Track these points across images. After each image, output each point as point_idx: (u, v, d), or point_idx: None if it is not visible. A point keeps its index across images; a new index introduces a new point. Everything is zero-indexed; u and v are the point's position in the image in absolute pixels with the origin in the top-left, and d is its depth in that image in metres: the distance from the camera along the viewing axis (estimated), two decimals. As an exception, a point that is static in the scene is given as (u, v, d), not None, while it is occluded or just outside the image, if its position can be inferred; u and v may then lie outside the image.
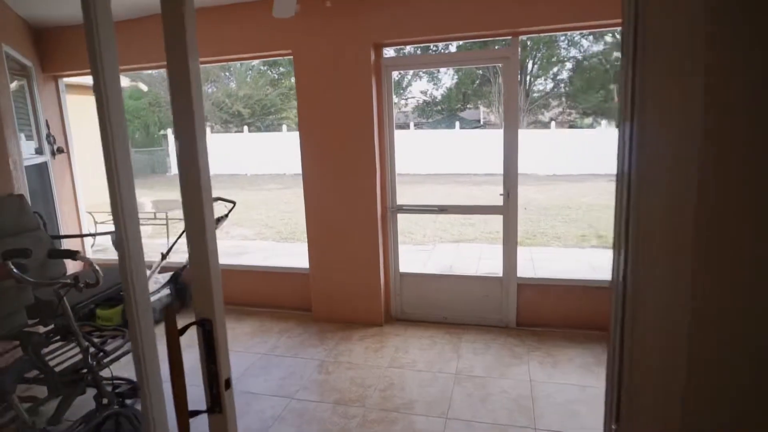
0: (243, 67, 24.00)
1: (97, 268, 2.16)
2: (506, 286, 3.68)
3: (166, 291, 4.22)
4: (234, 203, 4.28)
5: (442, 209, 3.80)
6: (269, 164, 17.57)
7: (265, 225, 8.99)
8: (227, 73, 25.08)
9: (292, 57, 3.67)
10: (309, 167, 3.79)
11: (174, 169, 20.23)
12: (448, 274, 3.99)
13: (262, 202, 11.69)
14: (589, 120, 22.70)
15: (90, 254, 4.88)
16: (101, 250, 6.88)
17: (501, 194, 3.56)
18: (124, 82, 7.98)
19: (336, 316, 3.94)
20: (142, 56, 3.99)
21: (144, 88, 8.31)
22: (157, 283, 4.23)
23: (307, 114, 3.71)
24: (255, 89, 23.70)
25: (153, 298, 4.08)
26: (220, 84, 24.66)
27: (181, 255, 4.75)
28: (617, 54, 20.74)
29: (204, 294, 0.83)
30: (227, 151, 18.96)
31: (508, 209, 3.56)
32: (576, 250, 6.39)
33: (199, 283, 0.84)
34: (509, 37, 3.34)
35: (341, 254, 3.84)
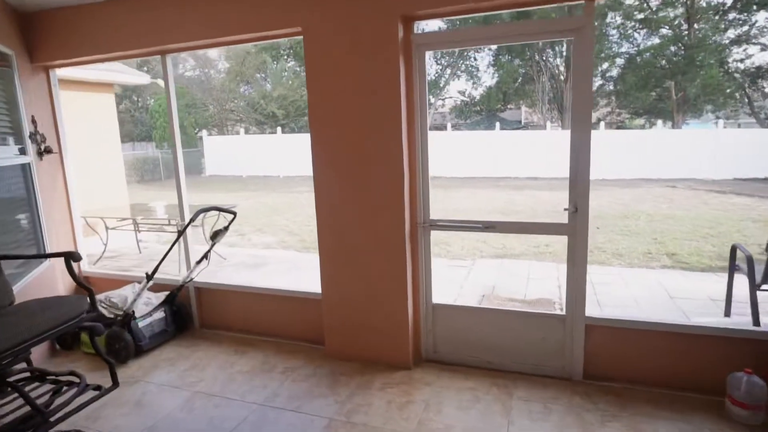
0: (278, 67, 23.79)
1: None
2: (570, 327, 2.85)
3: (160, 314, 3.63)
4: (234, 214, 3.66)
5: (489, 226, 3.00)
6: (302, 166, 17.13)
7: (290, 232, 8.39)
8: (263, 74, 24.99)
9: (302, 37, 2.99)
10: (321, 171, 3.09)
11: (209, 170, 20.20)
12: (493, 308, 3.19)
13: (289, 206, 11.16)
14: (641, 120, 21.09)
15: (86, 265, 4.37)
16: (112, 257, 6.44)
17: (566, 209, 2.75)
18: (144, 79, 7.58)
19: (353, 354, 3.22)
20: (134, 41, 3.43)
21: (162, 84, 7.87)
22: (148, 304, 3.64)
23: (319, 106, 3.01)
24: (290, 90, 23.44)
25: (144, 323, 3.49)
26: (255, 84, 24.55)
27: (179, 268, 4.19)
28: (674, 48, 19.01)
29: None
30: (260, 153, 18.70)
31: (575, 229, 2.74)
32: (643, 270, 5.41)
33: None
34: (582, 2, 2.52)
35: (360, 278, 3.12)
